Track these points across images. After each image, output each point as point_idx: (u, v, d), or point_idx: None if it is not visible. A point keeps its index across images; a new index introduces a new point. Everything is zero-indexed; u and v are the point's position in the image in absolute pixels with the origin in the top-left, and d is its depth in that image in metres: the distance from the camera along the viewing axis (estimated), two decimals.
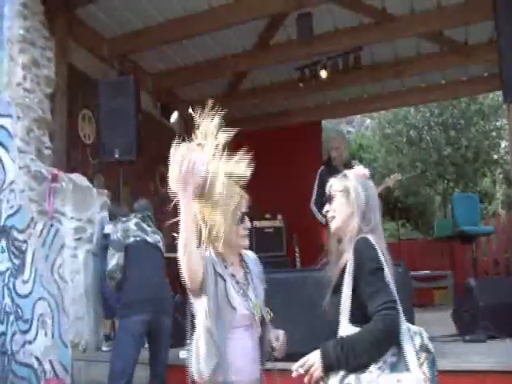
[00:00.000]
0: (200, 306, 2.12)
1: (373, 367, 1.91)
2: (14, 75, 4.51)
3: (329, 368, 1.95)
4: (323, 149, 9.54)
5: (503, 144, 13.20)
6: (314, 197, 5.75)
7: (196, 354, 2.13)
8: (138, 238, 3.84)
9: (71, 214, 4.33)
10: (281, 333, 2.28)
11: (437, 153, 12.72)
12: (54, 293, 4.05)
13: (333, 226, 2.28)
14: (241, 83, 8.22)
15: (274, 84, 8.33)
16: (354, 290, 2.04)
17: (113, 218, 4.51)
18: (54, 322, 4.01)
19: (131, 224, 3.89)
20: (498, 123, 12.95)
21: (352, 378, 1.93)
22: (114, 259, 3.72)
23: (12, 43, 4.52)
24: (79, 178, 4.58)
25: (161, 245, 4.03)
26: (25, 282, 4.00)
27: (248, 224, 2.27)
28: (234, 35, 6.66)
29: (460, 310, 4.91)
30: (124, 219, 3.96)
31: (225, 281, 2.18)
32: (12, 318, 3.93)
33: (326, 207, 2.32)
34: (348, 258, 2.12)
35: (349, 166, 4.96)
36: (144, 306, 3.64)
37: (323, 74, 7.15)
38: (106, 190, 4.74)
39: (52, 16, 5.24)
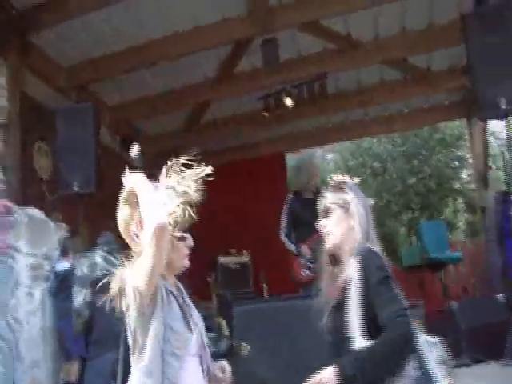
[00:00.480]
0: (148, 331, 1.84)
1: None
2: None
3: None
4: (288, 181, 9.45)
5: (464, 173, 13.36)
6: (283, 226, 5.57)
7: None
8: (106, 272, 3.61)
9: (26, 250, 3.97)
10: (225, 364, 2.11)
11: (401, 183, 12.75)
12: (6, 337, 3.66)
13: (330, 242, 2.14)
14: (203, 115, 8.02)
15: (237, 115, 8.14)
16: (362, 303, 1.91)
17: (65, 254, 4.24)
18: (7, 369, 3.61)
19: (97, 258, 3.70)
20: (459, 153, 13.11)
21: None
22: (81, 296, 3.51)
23: None
24: (35, 211, 4.24)
25: None
26: None
27: (191, 242, 2.11)
28: (196, 63, 6.47)
29: (440, 334, 4.76)
30: (88, 254, 3.75)
31: (177, 300, 1.98)
32: None
33: (322, 222, 2.18)
34: (349, 273, 2.00)
35: (320, 193, 4.81)
36: (117, 342, 3.34)
37: (288, 102, 6.99)
38: (64, 225, 4.41)
39: (4, 41, 4.97)
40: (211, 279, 7.51)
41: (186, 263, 2.10)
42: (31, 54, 5.53)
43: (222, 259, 7.90)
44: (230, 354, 4.26)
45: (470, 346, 4.39)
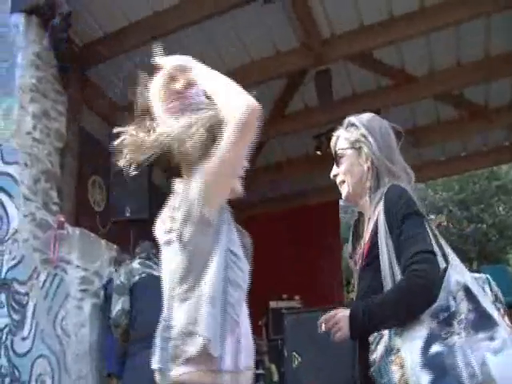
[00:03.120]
0: (209, 253, 1.46)
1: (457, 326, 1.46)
2: (23, 124, 4.30)
3: (356, 330, 1.57)
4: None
5: None
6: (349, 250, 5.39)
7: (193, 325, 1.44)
8: (143, 275, 3.58)
9: (77, 263, 3.95)
10: None
11: (458, 231, 12.22)
12: (55, 349, 3.58)
13: (344, 192, 1.85)
14: (256, 159, 7.96)
15: (291, 160, 8.06)
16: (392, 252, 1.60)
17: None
18: (54, 381, 3.51)
19: (135, 264, 3.66)
20: None
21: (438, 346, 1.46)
22: (118, 305, 3.46)
23: (23, 92, 4.34)
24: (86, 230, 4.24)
25: None
26: (24, 338, 3.55)
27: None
28: None
29: None
30: (127, 262, 3.73)
31: (235, 227, 1.64)
32: (8, 380, 3.42)
33: (334, 171, 1.86)
34: (376, 224, 1.68)
35: None
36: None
37: None
38: (115, 246, 4.37)
39: (65, 74, 5.11)
40: (262, 323, 7.33)
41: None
42: (89, 90, 5.69)
43: (274, 304, 7.72)
44: None
45: None
